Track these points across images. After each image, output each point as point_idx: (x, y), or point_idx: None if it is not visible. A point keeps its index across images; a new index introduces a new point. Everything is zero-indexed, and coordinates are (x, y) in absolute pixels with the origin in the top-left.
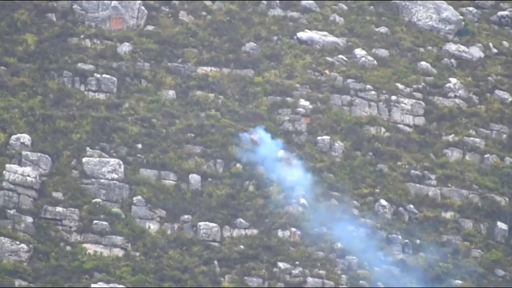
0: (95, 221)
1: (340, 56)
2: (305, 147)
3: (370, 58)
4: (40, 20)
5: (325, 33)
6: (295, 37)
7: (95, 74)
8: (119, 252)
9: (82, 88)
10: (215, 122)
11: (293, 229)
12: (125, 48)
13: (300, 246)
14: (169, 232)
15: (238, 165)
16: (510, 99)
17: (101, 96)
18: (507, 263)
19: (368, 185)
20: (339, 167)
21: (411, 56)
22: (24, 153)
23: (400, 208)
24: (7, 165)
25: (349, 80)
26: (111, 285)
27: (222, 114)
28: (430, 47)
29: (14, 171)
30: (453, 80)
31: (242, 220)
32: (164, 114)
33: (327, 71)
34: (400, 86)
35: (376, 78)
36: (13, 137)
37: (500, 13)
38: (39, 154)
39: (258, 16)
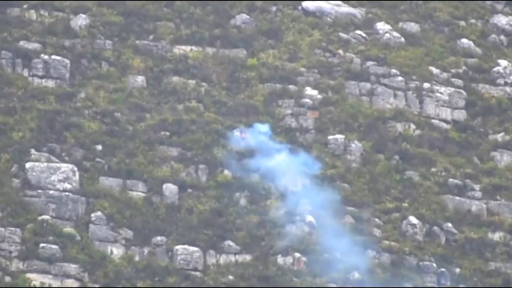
0: (42, 245)
1: (358, 31)
2: (312, 149)
3: (396, 34)
4: None
5: (338, 2)
6: (300, 8)
7: (42, 55)
8: (73, 284)
9: (26, 73)
10: (197, 117)
11: (297, 255)
12: (80, 21)
13: (306, 276)
14: (137, 258)
15: (226, 172)
16: None
17: (50, 83)
18: None
19: (394, 198)
20: (356, 175)
21: (448, 31)
22: None
23: (435, 228)
24: None
25: (369, 63)
26: None
27: (205, 106)
28: (473, 20)
29: None
30: (503, 62)
31: (231, 243)
32: (131, 106)
33: (340, 51)
34: (434, 70)
35: (403, 60)
36: None
37: None
38: None
39: None
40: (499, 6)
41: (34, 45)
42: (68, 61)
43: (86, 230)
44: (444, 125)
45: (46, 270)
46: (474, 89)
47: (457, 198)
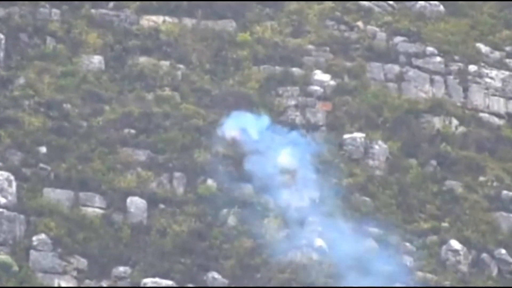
0: None
1: None
2: (323, 151)
3: (432, 1)
4: None
5: None
6: None
7: None
8: None
9: None
10: (171, 110)
11: None
12: None
13: None
14: None
15: (209, 181)
16: None
17: None
18: None
19: (430, 216)
20: (380, 185)
21: None
22: None
23: (484, 255)
24: None
25: (398, 39)
26: None
27: (183, 95)
28: None
29: None
30: None
31: (216, 275)
32: (84, 95)
33: (360, 23)
34: (483, 48)
35: (443, 35)
36: None
37: None
38: None
39: None
40: None
41: None
42: (2, 36)
43: (26, 258)
44: (495, 120)
45: None
46: None
47: None
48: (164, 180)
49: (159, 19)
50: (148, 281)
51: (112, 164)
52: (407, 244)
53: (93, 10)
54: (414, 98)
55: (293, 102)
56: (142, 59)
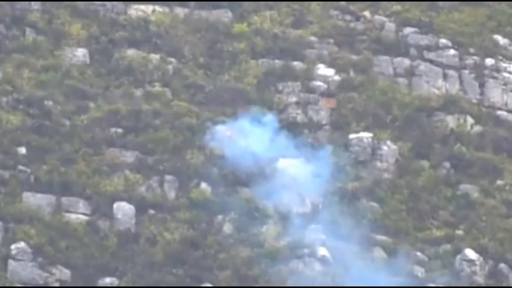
0: None
1: None
2: (327, 152)
3: None
4: None
5: None
6: None
7: None
8: None
9: None
10: (162, 107)
11: None
12: None
13: None
14: None
15: (203, 185)
16: None
17: None
18: None
19: (444, 223)
20: (389, 190)
21: None
22: None
23: (502, 265)
24: None
25: (408, 30)
26: None
27: (174, 92)
28: None
29: None
30: None
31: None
32: (67, 91)
33: (366, 13)
34: (501, 40)
35: (457, 26)
36: None
37: None
38: None
39: None
40: None
41: None
42: None
43: (4, 268)
44: None
45: None
46: None
47: None
48: (154, 183)
49: (148, 8)
50: None
51: (97, 166)
52: (419, 253)
53: None
54: (426, 95)
55: (294, 99)
56: (130, 52)
